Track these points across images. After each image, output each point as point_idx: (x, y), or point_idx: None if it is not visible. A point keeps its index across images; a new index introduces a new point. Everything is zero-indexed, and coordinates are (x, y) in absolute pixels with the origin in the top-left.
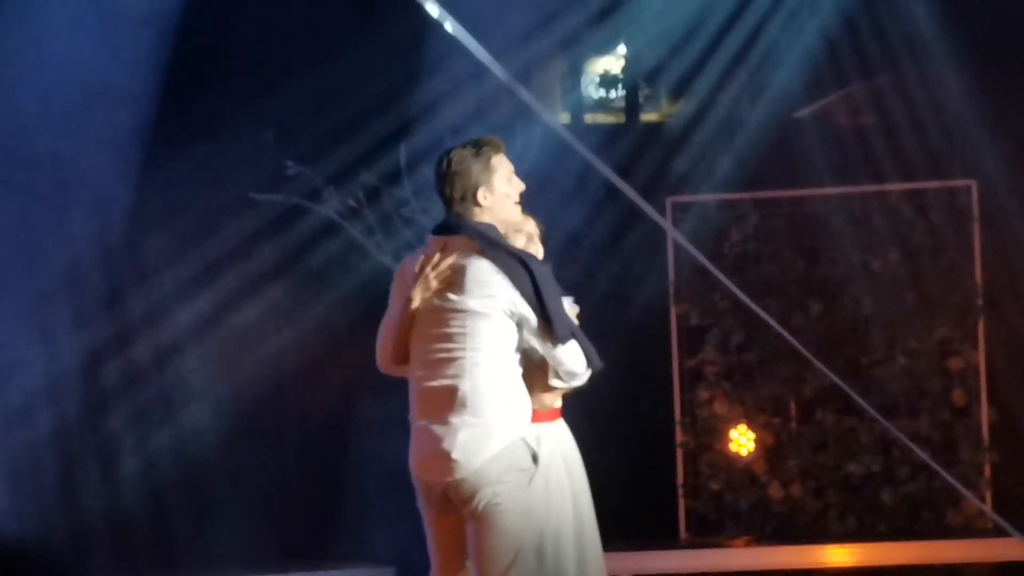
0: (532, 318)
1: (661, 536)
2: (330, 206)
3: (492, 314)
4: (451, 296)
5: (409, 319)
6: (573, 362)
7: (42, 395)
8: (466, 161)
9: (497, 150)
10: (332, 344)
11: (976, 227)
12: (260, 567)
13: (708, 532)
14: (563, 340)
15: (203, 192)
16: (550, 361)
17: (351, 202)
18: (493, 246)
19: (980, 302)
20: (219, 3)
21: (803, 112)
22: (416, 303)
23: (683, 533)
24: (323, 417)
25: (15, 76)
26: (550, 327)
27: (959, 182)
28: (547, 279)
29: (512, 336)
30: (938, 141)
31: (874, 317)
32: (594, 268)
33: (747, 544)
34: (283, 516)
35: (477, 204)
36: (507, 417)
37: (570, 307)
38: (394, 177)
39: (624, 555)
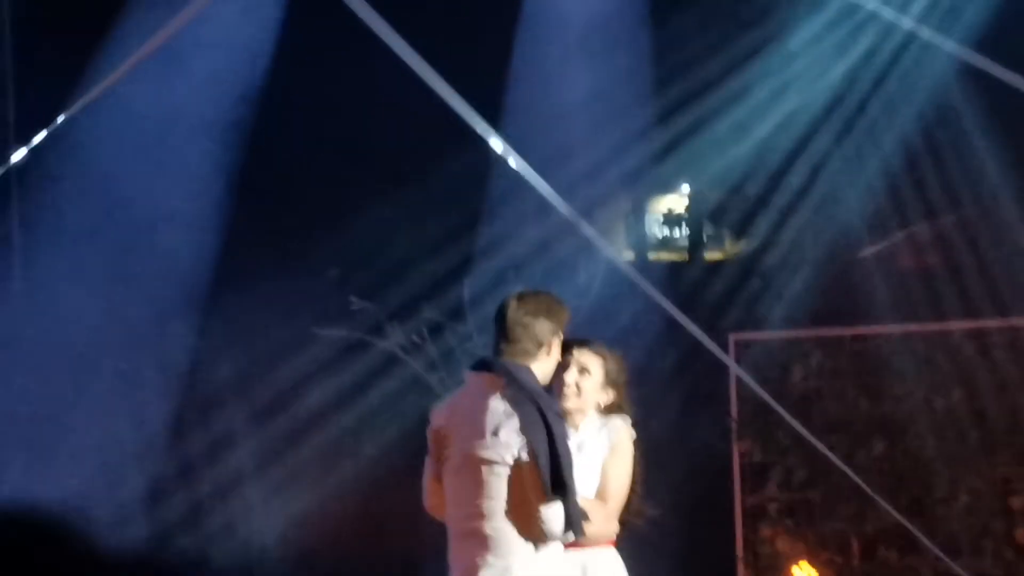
0: (529, 468)
1: None
2: (393, 341)
3: (504, 461)
4: (472, 441)
5: (436, 464)
6: (554, 522)
7: (107, 525)
8: (546, 313)
9: (567, 315)
10: (393, 478)
11: None
12: None
13: None
14: (552, 499)
15: (267, 325)
16: (533, 514)
17: (414, 337)
18: (517, 387)
19: None
20: (286, 140)
21: (867, 252)
22: (446, 445)
23: None
24: (386, 552)
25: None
26: (546, 482)
27: (1023, 321)
28: (562, 434)
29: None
30: (1001, 280)
31: (937, 455)
32: (657, 404)
33: None
34: None
35: (536, 354)
36: (530, 558)
37: (628, 430)
38: (457, 313)
39: None
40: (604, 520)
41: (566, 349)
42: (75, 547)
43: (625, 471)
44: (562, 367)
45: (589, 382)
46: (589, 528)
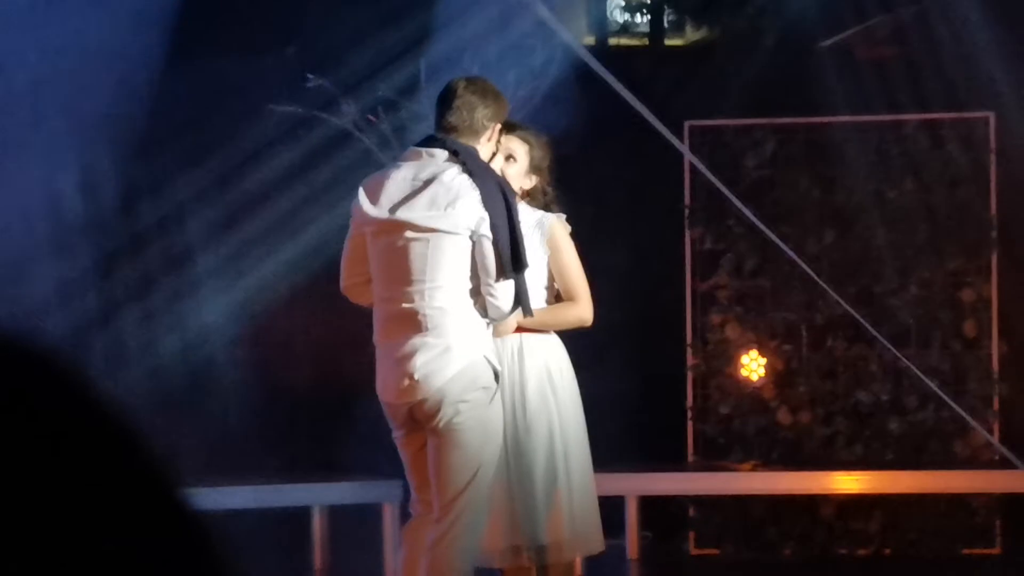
0: (488, 242)
1: (668, 458)
2: (347, 118)
3: (457, 232)
4: (419, 213)
5: (363, 241)
6: (506, 300)
7: (53, 298)
8: (493, 98)
9: (507, 108)
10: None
11: (992, 159)
12: (267, 477)
13: (715, 455)
14: (508, 276)
15: (221, 103)
16: (484, 290)
17: (369, 116)
18: (475, 162)
19: (994, 235)
20: None
21: (826, 43)
22: (380, 218)
23: (690, 456)
24: (333, 328)
25: None
26: (506, 258)
27: (977, 114)
28: (518, 211)
29: (471, 256)
30: (958, 74)
31: (888, 247)
32: (609, 190)
33: (754, 468)
34: (291, 427)
35: (479, 137)
36: (468, 336)
37: (562, 225)
38: (411, 91)
39: (630, 476)
40: (583, 314)
41: None
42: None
43: (574, 262)
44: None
45: (514, 168)
46: (567, 318)
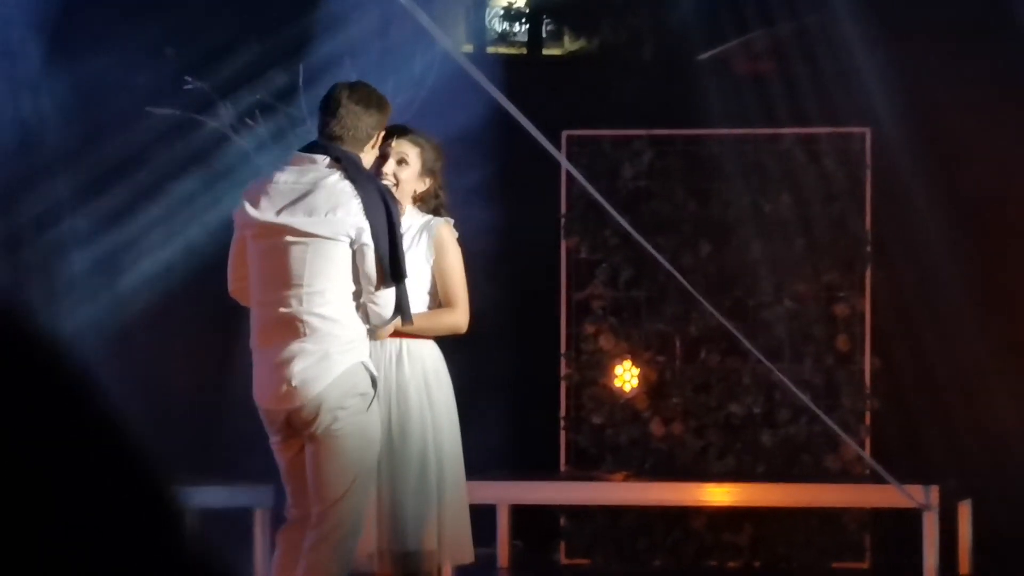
0: (370, 251)
1: (541, 467)
2: (224, 121)
3: (337, 239)
4: (299, 218)
5: (246, 244)
6: (387, 307)
7: None
8: (376, 105)
9: (390, 112)
10: (220, 255)
11: (868, 175)
12: None
13: (588, 465)
14: (388, 284)
15: (99, 103)
16: (365, 297)
17: (247, 120)
18: (357, 170)
19: (868, 250)
20: None
21: (705, 55)
22: (261, 221)
23: (563, 465)
24: (209, 332)
25: None
26: (386, 266)
27: (853, 129)
28: (399, 220)
29: (351, 263)
30: (835, 89)
31: (763, 260)
32: (487, 197)
33: (626, 479)
34: (163, 431)
35: (363, 144)
36: (346, 343)
37: (450, 230)
38: (289, 95)
39: (502, 484)
40: (458, 321)
41: (384, 138)
42: None
43: (458, 267)
44: (380, 158)
45: (407, 172)
46: (442, 324)
